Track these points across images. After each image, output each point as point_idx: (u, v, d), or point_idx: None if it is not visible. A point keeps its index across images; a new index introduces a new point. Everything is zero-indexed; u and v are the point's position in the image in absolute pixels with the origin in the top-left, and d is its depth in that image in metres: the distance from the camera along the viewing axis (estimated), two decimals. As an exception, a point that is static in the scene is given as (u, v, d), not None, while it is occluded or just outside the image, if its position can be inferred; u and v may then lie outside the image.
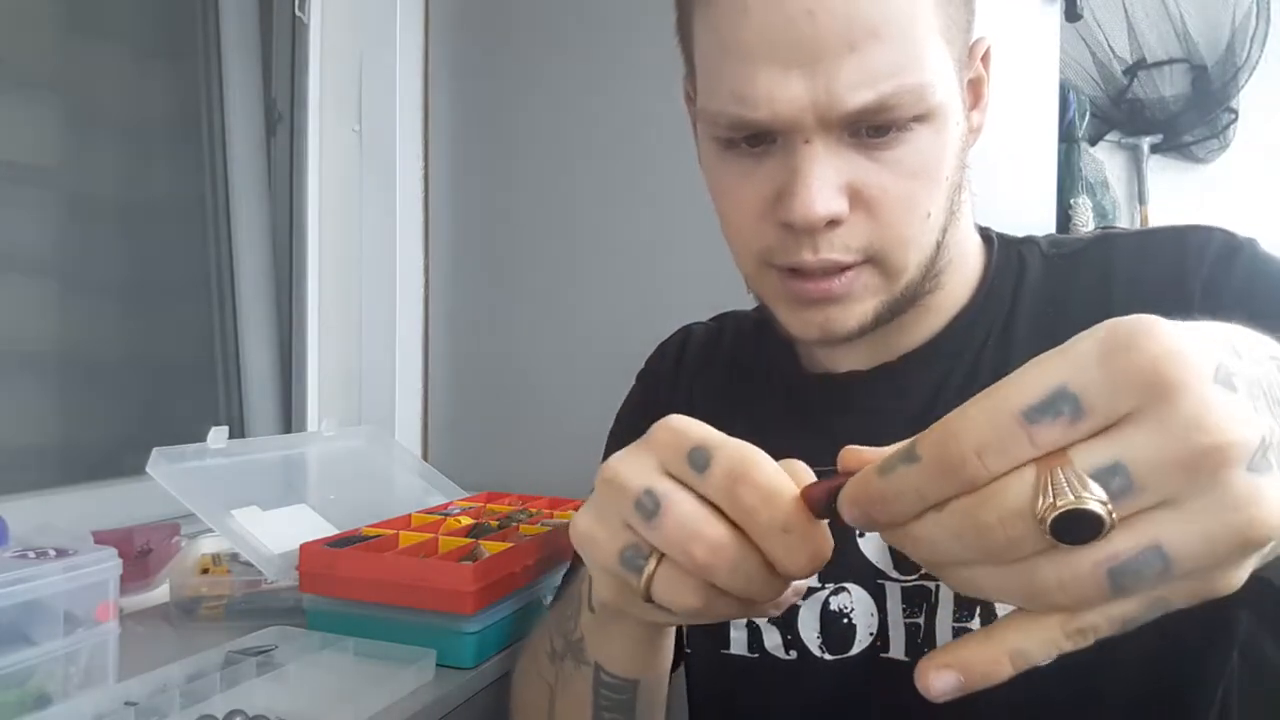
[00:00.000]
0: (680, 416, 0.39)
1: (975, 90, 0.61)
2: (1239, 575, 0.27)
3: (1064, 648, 0.29)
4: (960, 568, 0.29)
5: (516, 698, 0.68)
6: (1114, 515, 0.26)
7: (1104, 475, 0.26)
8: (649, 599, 0.38)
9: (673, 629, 0.53)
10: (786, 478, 0.35)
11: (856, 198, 0.53)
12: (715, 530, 0.35)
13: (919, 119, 0.53)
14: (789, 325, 0.59)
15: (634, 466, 0.38)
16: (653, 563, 0.37)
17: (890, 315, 0.58)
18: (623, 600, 0.41)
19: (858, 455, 0.34)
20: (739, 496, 0.35)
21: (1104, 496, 0.26)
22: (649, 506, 0.36)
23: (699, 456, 0.36)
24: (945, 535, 0.28)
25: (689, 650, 0.69)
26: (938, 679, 0.30)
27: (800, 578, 0.36)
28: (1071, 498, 0.25)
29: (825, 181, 0.52)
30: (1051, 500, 0.26)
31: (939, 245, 0.58)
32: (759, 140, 0.54)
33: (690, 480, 0.36)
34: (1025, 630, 0.29)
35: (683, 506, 0.36)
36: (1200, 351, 0.26)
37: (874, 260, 0.55)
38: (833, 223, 0.53)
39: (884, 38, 0.50)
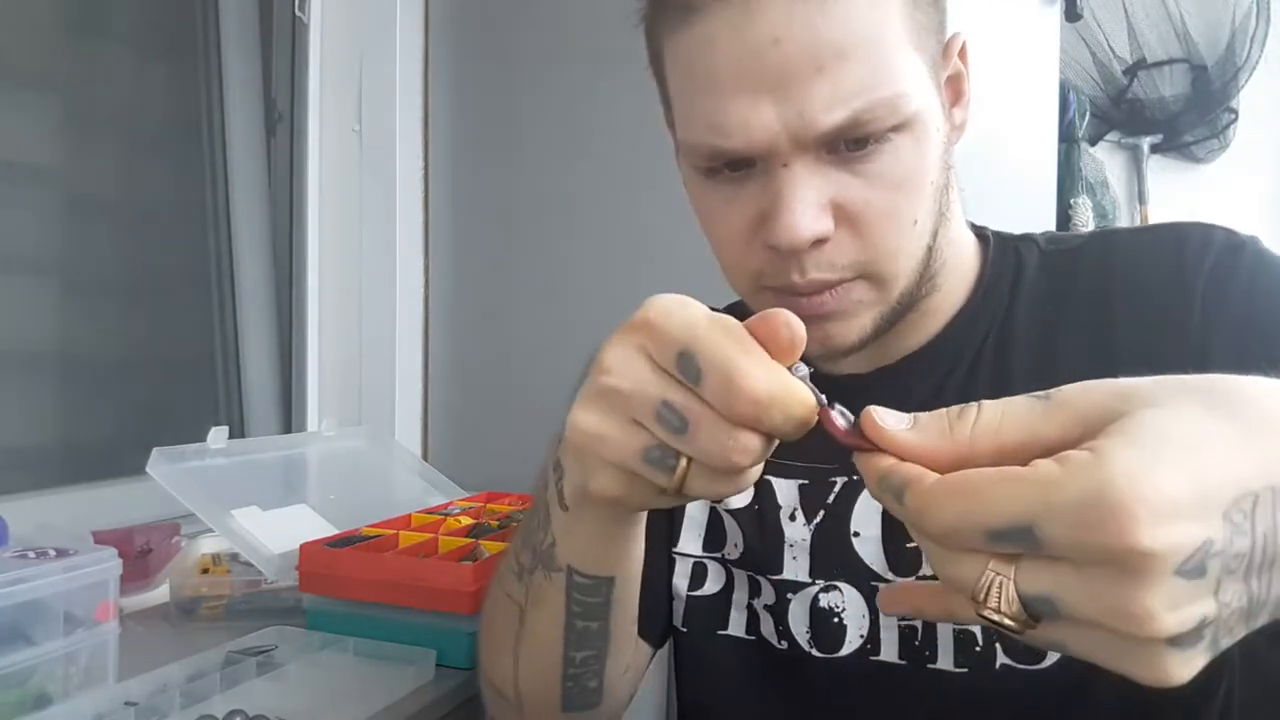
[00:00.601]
0: (663, 298, 0.41)
1: (955, 86, 0.60)
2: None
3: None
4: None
5: (484, 631, 0.65)
6: (1042, 616, 0.29)
7: (1037, 602, 0.29)
8: (681, 492, 0.39)
9: (644, 518, 0.53)
10: (771, 377, 0.37)
11: (841, 214, 0.53)
12: (750, 439, 0.37)
13: (896, 129, 0.52)
14: None
15: (632, 368, 0.40)
16: (684, 462, 0.39)
17: (889, 325, 0.58)
18: (632, 492, 0.42)
19: (878, 423, 0.35)
20: (737, 410, 0.37)
21: (1024, 619, 0.29)
22: (674, 422, 0.38)
23: (687, 365, 0.38)
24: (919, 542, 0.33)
25: (684, 630, 0.69)
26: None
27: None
28: (995, 607, 0.29)
29: (807, 203, 0.52)
30: (982, 600, 0.30)
31: (930, 250, 0.58)
32: (739, 165, 0.54)
33: (686, 387, 0.38)
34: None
35: (710, 423, 0.38)
36: (1179, 540, 0.27)
37: (865, 274, 0.55)
38: (819, 242, 0.53)
39: (851, 56, 0.50)
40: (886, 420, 0.35)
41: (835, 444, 0.36)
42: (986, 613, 0.29)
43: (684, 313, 0.40)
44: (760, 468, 0.39)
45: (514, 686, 0.62)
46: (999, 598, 0.29)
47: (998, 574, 0.29)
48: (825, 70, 0.49)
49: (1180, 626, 0.28)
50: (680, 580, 0.68)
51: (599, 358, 0.42)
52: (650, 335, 0.40)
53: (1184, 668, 0.29)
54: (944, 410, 0.34)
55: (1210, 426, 0.29)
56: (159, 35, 1.39)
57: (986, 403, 0.33)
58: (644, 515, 0.52)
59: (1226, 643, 0.30)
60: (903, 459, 0.34)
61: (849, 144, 0.52)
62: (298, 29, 1.46)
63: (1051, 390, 0.32)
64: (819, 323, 0.56)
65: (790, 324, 0.38)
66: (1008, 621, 0.29)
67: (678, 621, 0.69)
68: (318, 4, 1.45)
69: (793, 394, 0.37)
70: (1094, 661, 0.30)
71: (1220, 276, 0.55)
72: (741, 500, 0.67)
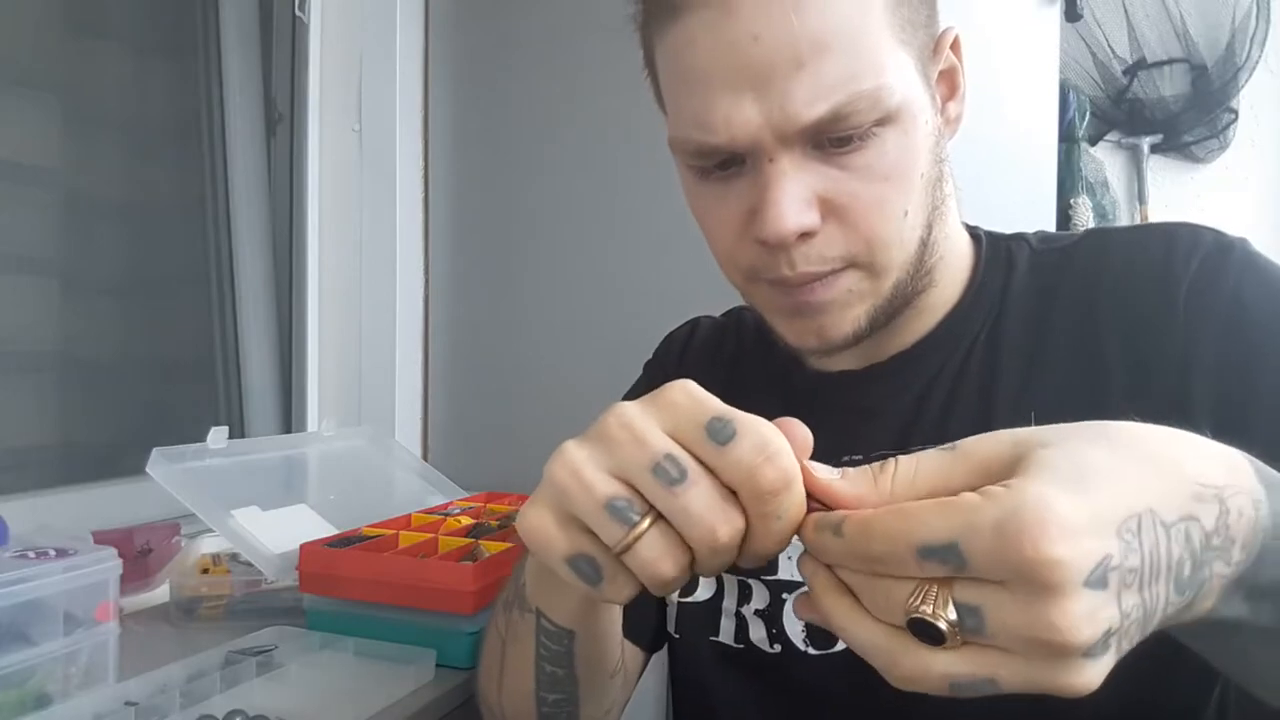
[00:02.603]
0: (694, 384, 0.38)
1: (949, 81, 0.60)
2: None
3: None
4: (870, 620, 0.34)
5: (481, 649, 0.68)
6: (959, 638, 0.31)
7: (964, 611, 0.31)
8: (621, 554, 0.36)
9: None
10: (797, 464, 0.36)
11: (828, 208, 0.54)
12: (737, 515, 0.36)
13: (880, 123, 0.53)
14: (786, 335, 0.60)
15: (650, 423, 0.37)
16: (646, 521, 0.36)
17: (885, 318, 0.58)
18: (576, 584, 0.38)
19: (814, 474, 0.37)
20: (762, 476, 0.35)
21: (955, 620, 0.31)
22: (672, 473, 0.35)
23: (720, 428, 0.36)
24: (863, 598, 0.35)
25: (677, 635, 0.69)
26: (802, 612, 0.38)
27: (753, 562, 0.38)
28: (929, 611, 0.31)
29: (793, 196, 0.52)
30: (917, 604, 0.32)
31: (925, 243, 0.58)
32: (729, 164, 0.55)
33: (704, 451, 0.36)
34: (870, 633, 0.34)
35: (709, 484, 0.36)
36: (1083, 554, 0.30)
37: (856, 265, 0.55)
38: (806, 235, 0.53)
39: (832, 49, 0.50)
40: (819, 472, 0.36)
41: None
42: (921, 613, 0.31)
43: (716, 399, 0.38)
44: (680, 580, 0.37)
45: (500, 710, 0.64)
46: (933, 602, 0.31)
47: (931, 586, 0.32)
48: (805, 65, 0.50)
49: (1093, 635, 0.30)
50: None
51: (620, 406, 0.39)
52: (684, 401, 0.37)
53: (1095, 674, 0.31)
54: (868, 466, 0.36)
55: (1097, 459, 0.32)
56: (159, 35, 1.39)
57: (903, 457, 0.36)
58: None
59: (1125, 648, 0.33)
60: (834, 505, 0.36)
61: (833, 141, 0.52)
62: (298, 29, 1.46)
63: (957, 442, 0.35)
64: (813, 314, 0.56)
65: (805, 433, 0.38)
66: (940, 624, 0.31)
67: (671, 628, 0.70)
68: (318, 4, 1.45)
69: (800, 489, 0.36)
70: (1017, 689, 0.31)
71: (1205, 279, 0.55)
72: None
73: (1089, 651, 0.31)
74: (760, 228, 0.53)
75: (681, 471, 0.36)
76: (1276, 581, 0.37)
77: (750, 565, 0.38)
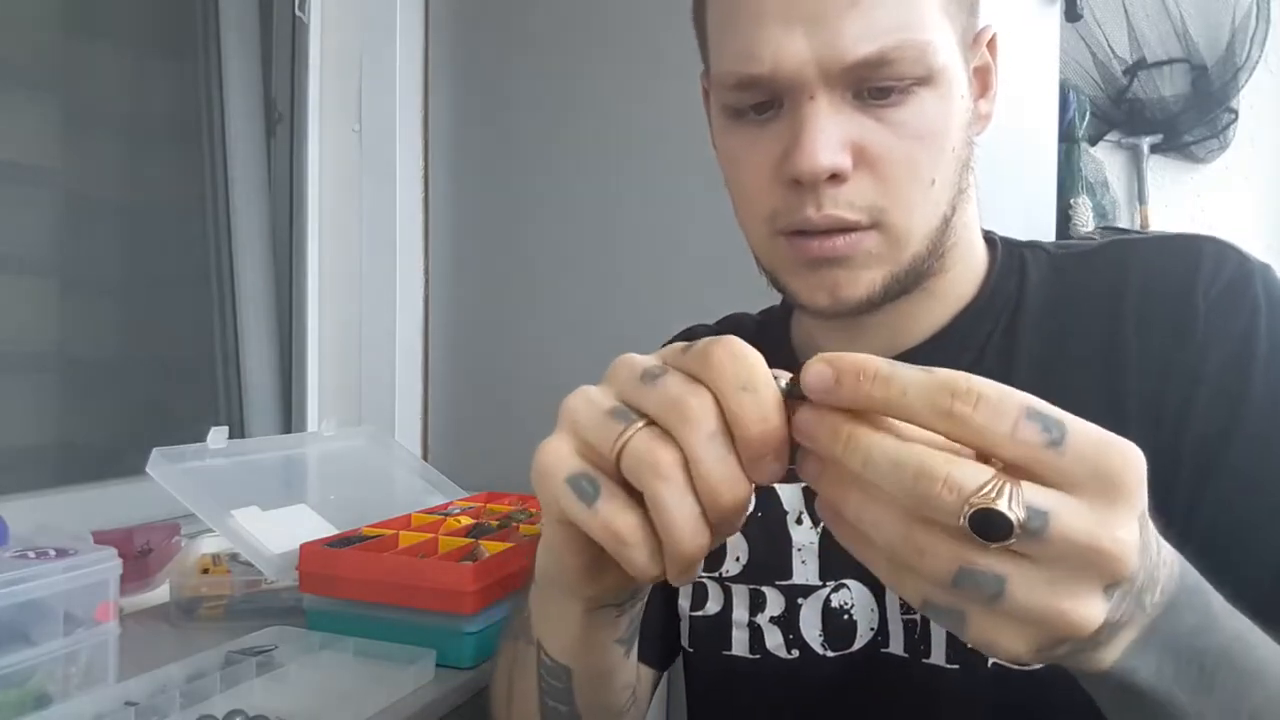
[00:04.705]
0: None
1: (983, 79, 0.61)
2: (1041, 656, 0.33)
3: (880, 571, 0.36)
4: (863, 492, 0.34)
5: (492, 678, 0.68)
6: (1023, 529, 0.31)
7: (1033, 512, 0.31)
8: (619, 456, 0.37)
9: (613, 622, 0.50)
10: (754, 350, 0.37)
11: (861, 157, 0.54)
12: (706, 395, 0.36)
13: (921, 82, 0.54)
14: (799, 293, 0.59)
15: (645, 357, 0.39)
16: (641, 422, 0.37)
17: (899, 289, 0.58)
18: (573, 511, 0.38)
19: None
20: (711, 354, 0.36)
21: (1024, 519, 0.30)
22: (655, 374, 0.37)
23: (695, 345, 0.38)
24: (889, 458, 0.32)
25: (691, 650, 0.69)
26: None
27: (757, 456, 0.36)
28: (1005, 500, 0.31)
29: (829, 135, 0.53)
30: (993, 496, 0.31)
31: (946, 220, 0.58)
32: (766, 108, 0.56)
33: (678, 360, 0.38)
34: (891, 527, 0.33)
35: (682, 375, 0.37)
36: (1144, 496, 0.33)
37: (879, 225, 0.56)
38: (836, 178, 0.54)
39: None
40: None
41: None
42: (996, 505, 0.30)
43: None
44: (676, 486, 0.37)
45: None
46: (1009, 497, 0.31)
47: (1010, 479, 0.31)
48: (858, 4, 0.51)
49: (1132, 565, 0.32)
50: (684, 601, 0.69)
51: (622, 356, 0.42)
52: (671, 347, 0.40)
53: (1100, 612, 0.32)
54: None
55: None
56: (159, 35, 1.39)
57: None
58: (609, 617, 0.50)
59: (1129, 616, 0.34)
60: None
61: (873, 92, 0.53)
62: (298, 29, 1.46)
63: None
64: (829, 267, 0.57)
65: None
66: (1014, 515, 0.30)
67: (685, 642, 0.69)
68: (318, 4, 1.46)
69: (763, 370, 0.36)
70: (1017, 604, 0.32)
71: (1225, 305, 0.57)
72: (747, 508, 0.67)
73: (1118, 581, 0.32)
74: (793, 164, 0.54)
75: (661, 370, 0.37)
76: (1195, 631, 0.38)
77: (752, 461, 0.36)
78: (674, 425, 0.36)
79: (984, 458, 0.32)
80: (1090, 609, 0.32)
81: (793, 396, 0.36)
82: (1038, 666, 0.56)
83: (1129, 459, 0.32)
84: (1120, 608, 0.34)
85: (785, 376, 0.37)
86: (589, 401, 0.39)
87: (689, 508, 0.36)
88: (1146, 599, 0.35)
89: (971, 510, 0.31)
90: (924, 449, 0.32)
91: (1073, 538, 0.31)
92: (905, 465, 0.32)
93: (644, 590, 0.50)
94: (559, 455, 0.39)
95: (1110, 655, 0.35)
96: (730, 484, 0.36)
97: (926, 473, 0.31)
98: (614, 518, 0.37)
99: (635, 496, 0.37)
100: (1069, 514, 0.31)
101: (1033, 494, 0.31)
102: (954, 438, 0.32)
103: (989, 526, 0.30)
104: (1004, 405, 0.31)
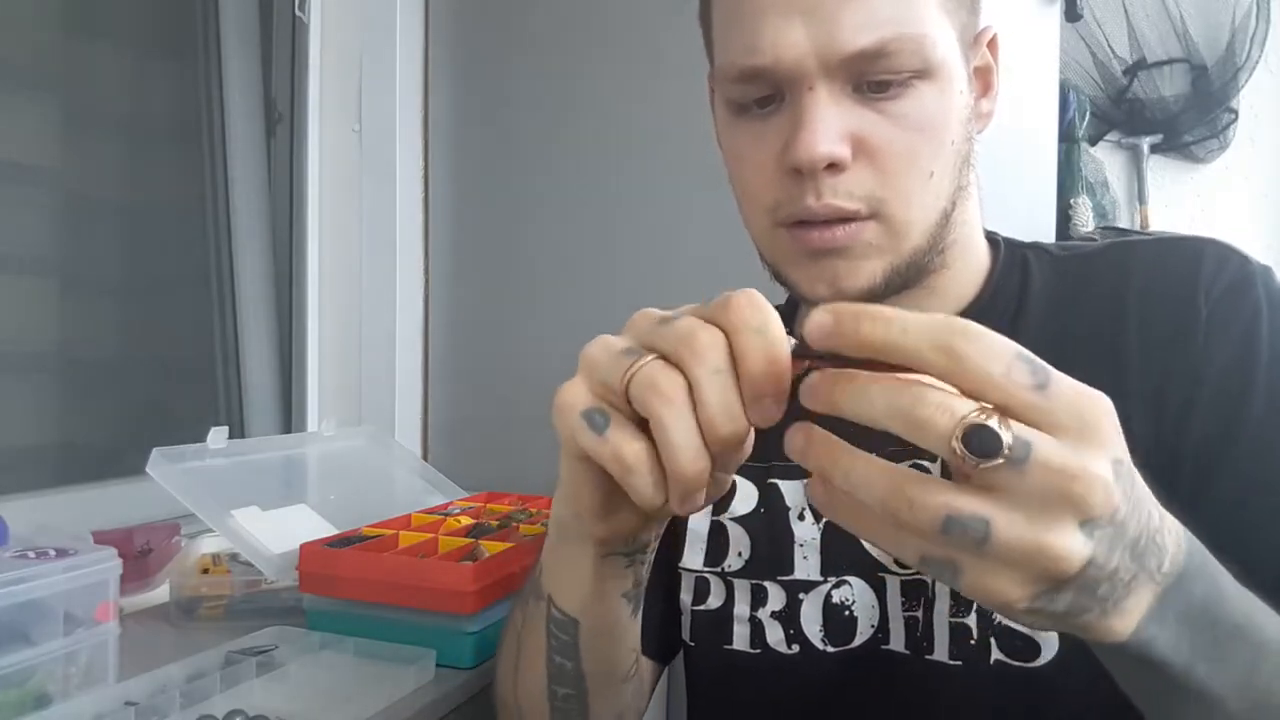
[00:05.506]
0: None
1: (984, 78, 0.62)
2: (1031, 609, 0.34)
3: (875, 537, 0.36)
4: (851, 454, 0.35)
5: (498, 656, 0.68)
6: (1009, 454, 0.32)
7: (1019, 441, 0.32)
8: (627, 385, 0.39)
9: (622, 573, 0.52)
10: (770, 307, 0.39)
11: (860, 147, 0.55)
12: (718, 334, 0.38)
13: (919, 75, 0.54)
14: (800, 284, 0.60)
15: (656, 310, 0.42)
16: (651, 355, 0.39)
17: (900, 281, 0.58)
18: (585, 440, 0.41)
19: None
20: (730, 299, 0.38)
21: (1011, 443, 0.32)
22: (670, 318, 0.40)
23: (707, 301, 0.40)
24: (885, 395, 0.34)
25: (692, 644, 0.69)
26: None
27: (758, 395, 0.38)
28: (995, 423, 0.32)
29: (828, 125, 0.54)
30: (984, 418, 0.32)
31: (946, 215, 0.58)
32: (768, 102, 0.57)
33: (699, 311, 0.40)
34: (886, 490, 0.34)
35: (696, 318, 0.39)
36: (1120, 442, 0.35)
37: (878, 215, 0.56)
38: (835, 168, 0.54)
39: None
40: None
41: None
42: (988, 422, 0.32)
43: None
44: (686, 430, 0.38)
45: (515, 704, 0.64)
46: (999, 423, 0.32)
47: (992, 412, 0.33)
48: None
49: (1108, 503, 0.33)
50: (686, 595, 0.69)
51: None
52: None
53: (1082, 550, 0.33)
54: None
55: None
56: (159, 35, 1.39)
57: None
58: (618, 566, 0.52)
59: (1130, 574, 0.35)
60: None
61: (872, 85, 0.54)
62: (298, 29, 1.46)
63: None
64: (829, 258, 0.57)
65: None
66: (1006, 435, 0.32)
67: (686, 636, 0.70)
68: (318, 4, 1.46)
69: (776, 321, 0.38)
70: (1001, 545, 0.33)
71: (1227, 307, 0.57)
72: (747, 506, 0.67)
73: (1096, 519, 0.33)
74: (793, 152, 0.54)
75: (678, 315, 0.40)
76: (1207, 602, 0.38)
77: (753, 400, 0.38)
78: (683, 358, 0.38)
79: None
80: (1070, 541, 0.33)
81: (800, 356, 0.38)
82: (1041, 663, 0.56)
83: (1104, 407, 0.34)
84: (1111, 556, 0.34)
85: (795, 341, 0.38)
86: (605, 346, 0.42)
87: (689, 429, 0.38)
88: (1150, 562, 0.36)
89: (965, 426, 0.32)
90: (919, 385, 0.33)
91: (1050, 466, 0.32)
92: (903, 393, 0.33)
93: (652, 542, 0.52)
94: (575, 393, 0.42)
95: (1126, 624, 0.36)
96: (730, 417, 0.37)
97: (923, 399, 0.33)
98: (622, 445, 0.39)
99: (644, 429, 0.39)
100: (1049, 447, 0.32)
101: (1019, 428, 0.33)
102: (948, 376, 0.33)
103: (981, 442, 0.32)
104: (999, 347, 0.33)
